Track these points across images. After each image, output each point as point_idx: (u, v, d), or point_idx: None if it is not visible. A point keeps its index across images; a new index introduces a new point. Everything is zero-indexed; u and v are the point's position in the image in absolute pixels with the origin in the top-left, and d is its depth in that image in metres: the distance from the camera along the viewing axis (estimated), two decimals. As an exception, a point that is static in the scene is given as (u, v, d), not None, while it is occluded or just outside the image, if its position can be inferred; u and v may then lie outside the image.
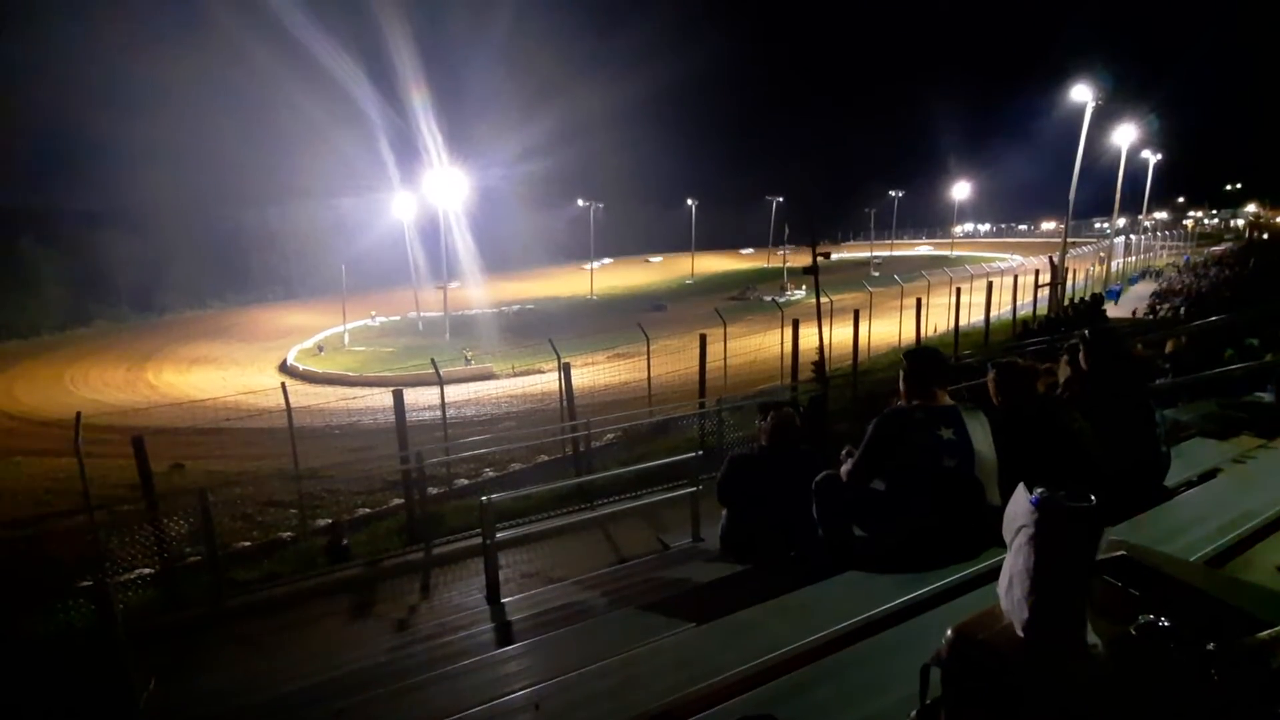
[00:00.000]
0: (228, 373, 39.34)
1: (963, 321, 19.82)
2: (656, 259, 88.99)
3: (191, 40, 74.87)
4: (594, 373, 15.54)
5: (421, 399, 12.11)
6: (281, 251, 70.82)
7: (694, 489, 5.76)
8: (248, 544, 8.20)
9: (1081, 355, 3.54)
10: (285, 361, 42.17)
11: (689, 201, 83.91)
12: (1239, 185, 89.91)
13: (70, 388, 36.26)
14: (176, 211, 64.45)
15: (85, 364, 42.22)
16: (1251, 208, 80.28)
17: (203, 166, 66.47)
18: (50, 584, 6.50)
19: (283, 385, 10.22)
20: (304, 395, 13.67)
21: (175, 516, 6.87)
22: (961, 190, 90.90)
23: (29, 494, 12.89)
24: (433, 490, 9.24)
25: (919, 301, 18.35)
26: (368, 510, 9.50)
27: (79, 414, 7.62)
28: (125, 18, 68.44)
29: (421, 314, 53.80)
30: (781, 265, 67.13)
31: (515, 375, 28.38)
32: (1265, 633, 1.21)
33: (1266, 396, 5.65)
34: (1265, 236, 55.32)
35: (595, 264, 71.28)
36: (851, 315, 15.76)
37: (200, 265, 64.59)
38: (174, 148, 65.84)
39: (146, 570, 6.72)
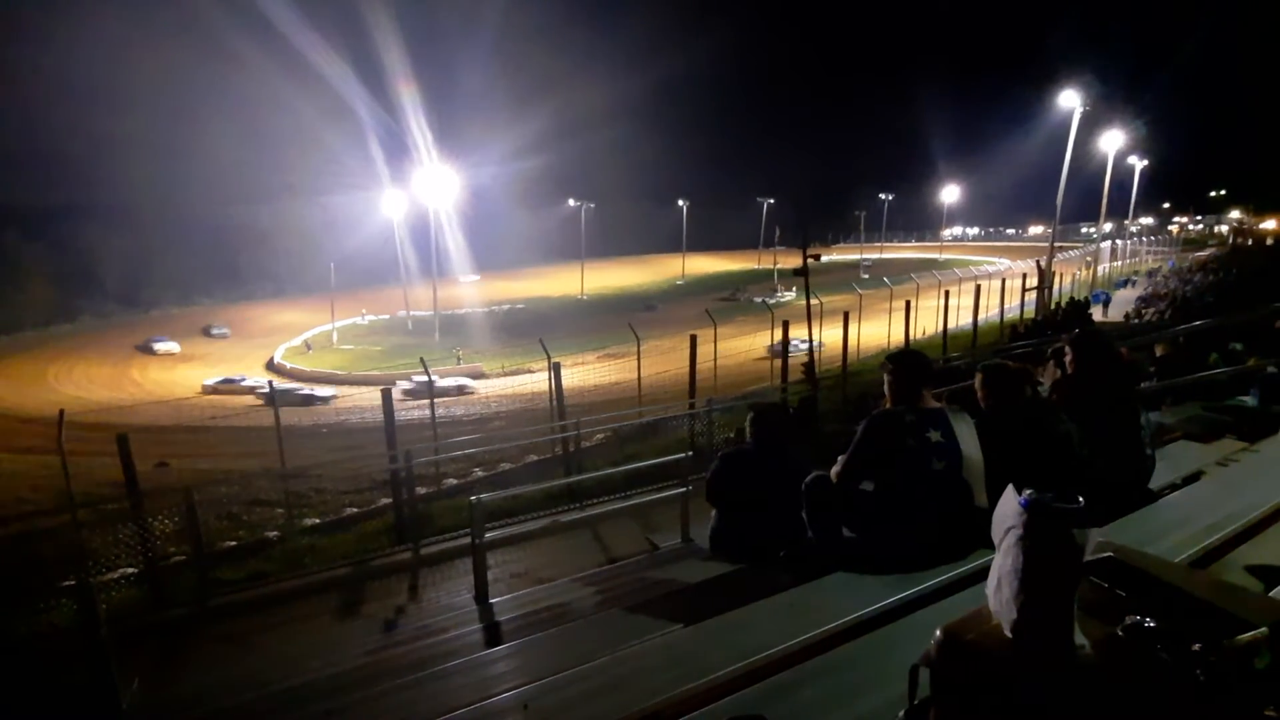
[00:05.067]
0: (215, 370, 39.00)
1: (951, 324, 19.97)
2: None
3: (181, 35, 74.46)
4: (584, 373, 15.54)
5: (411, 398, 12.05)
6: (270, 248, 70.23)
7: (684, 489, 5.76)
8: (234, 543, 8.11)
9: (1068, 358, 3.58)
10: (273, 359, 41.88)
11: (680, 202, 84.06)
12: (1223, 191, 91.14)
13: (54, 384, 35.86)
14: (164, 207, 63.93)
15: (69, 360, 41.74)
16: (1235, 214, 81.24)
17: (191, 162, 66.10)
18: (32, 583, 6.42)
19: (269, 383, 10.14)
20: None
21: (160, 515, 6.79)
22: (950, 194, 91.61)
23: (10, 492, 12.72)
24: (421, 490, 9.19)
25: (908, 304, 18.46)
26: (355, 510, 9.43)
27: (62, 411, 7.53)
28: (114, 13, 67.74)
29: (411, 312, 53.55)
30: (772, 267, 67.39)
31: (505, 375, 28.33)
32: (1248, 634, 1.22)
33: (1250, 400, 5.73)
34: (1249, 242, 56.04)
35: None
36: (841, 317, 15.84)
37: (188, 261, 63.98)
38: (162, 143, 65.36)
39: (130, 569, 6.64)
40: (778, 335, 14.40)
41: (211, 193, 66.93)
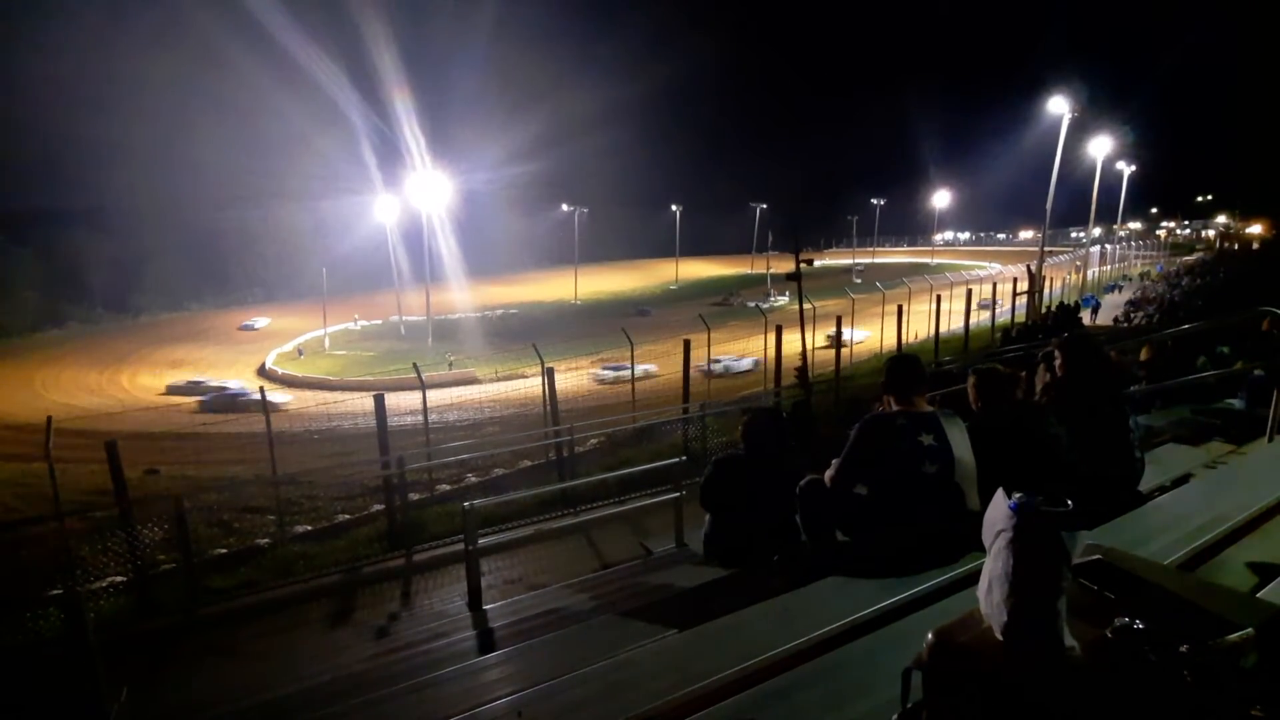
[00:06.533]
0: (205, 376, 38.72)
1: (942, 328, 20.09)
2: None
3: (170, 38, 73.91)
4: (578, 377, 15.53)
5: (403, 403, 12.01)
6: (261, 254, 69.87)
7: (678, 494, 5.77)
8: (224, 551, 8.06)
9: (1058, 362, 3.60)
10: (264, 365, 41.63)
11: (673, 207, 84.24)
12: (1209, 197, 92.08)
13: (41, 391, 35.48)
14: (153, 212, 63.37)
15: (57, 367, 41.34)
16: (1222, 219, 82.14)
17: (181, 167, 65.49)
18: (19, 592, 6.35)
19: (261, 389, 10.10)
20: (283, 399, 13.48)
21: (149, 523, 6.73)
22: (941, 199, 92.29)
23: (-3, 500, 12.57)
24: (414, 496, 9.15)
25: (900, 308, 18.54)
26: (348, 516, 9.38)
27: (50, 418, 7.45)
28: (103, 15, 67.35)
29: (404, 318, 53.38)
30: (765, 271, 67.62)
31: (498, 380, 28.24)
32: (1235, 635, 1.24)
33: (1237, 403, 5.79)
34: (1235, 246, 56.70)
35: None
36: (834, 321, 15.89)
37: (178, 267, 63.57)
38: (151, 147, 64.76)
39: (119, 578, 6.57)
40: (771, 339, 14.41)
41: (202, 197, 66.40)
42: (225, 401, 26.96)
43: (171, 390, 30.44)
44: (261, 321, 56.71)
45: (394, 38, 74.08)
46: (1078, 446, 3.12)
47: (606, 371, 21.25)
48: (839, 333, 14.93)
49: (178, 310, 62.48)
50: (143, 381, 37.96)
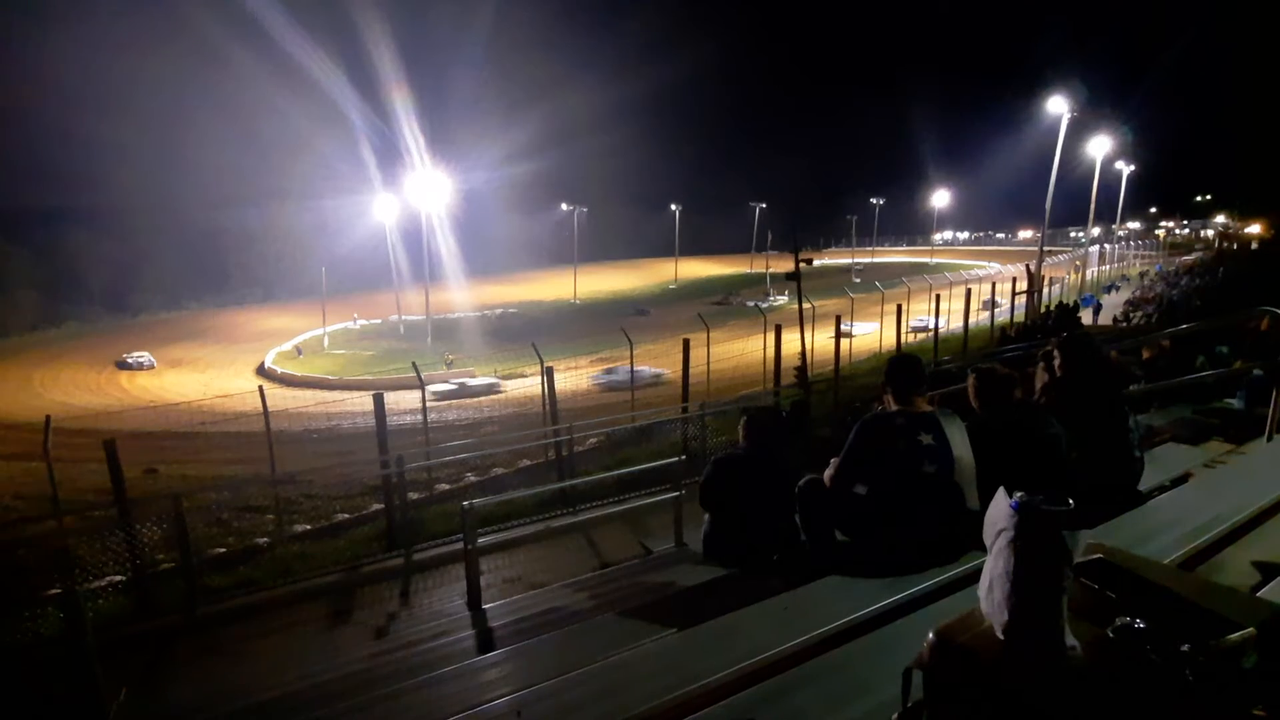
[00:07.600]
0: (204, 375, 38.75)
1: (942, 328, 20.08)
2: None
3: (170, 38, 73.87)
4: (577, 377, 15.52)
5: (403, 403, 12.00)
6: (261, 253, 69.84)
7: (677, 493, 5.77)
8: (223, 550, 8.04)
9: (1057, 362, 3.60)
10: (263, 364, 41.61)
11: (673, 206, 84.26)
12: (1208, 196, 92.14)
13: (40, 390, 35.48)
14: (152, 211, 63.44)
15: (56, 366, 41.32)
16: (1221, 218, 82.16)
17: (180, 166, 65.57)
18: (18, 592, 6.34)
19: (260, 388, 10.09)
20: (282, 399, 13.42)
21: (148, 522, 6.71)
22: (941, 199, 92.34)
23: (-4, 499, 12.54)
24: (413, 495, 9.14)
25: (899, 308, 18.54)
26: (346, 515, 9.37)
27: (48, 417, 7.43)
28: (102, 14, 67.27)
29: (403, 317, 53.39)
30: (764, 271, 67.63)
31: (497, 379, 28.27)
32: (1236, 634, 1.23)
33: (1236, 403, 5.79)
34: (1234, 246, 56.70)
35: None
36: (833, 320, 15.89)
37: (177, 266, 63.60)
38: (150, 146, 64.81)
39: (118, 577, 6.56)
40: (771, 339, 14.40)
41: (200, 197, 66.40)
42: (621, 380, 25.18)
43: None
44: (144, 357, 41.65)
45: (393, 37, 74.11)
46: (1078, 446, 3.12)
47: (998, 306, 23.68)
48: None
49: (177, 309, 62.44)
50: (141, 381, 37.92)
